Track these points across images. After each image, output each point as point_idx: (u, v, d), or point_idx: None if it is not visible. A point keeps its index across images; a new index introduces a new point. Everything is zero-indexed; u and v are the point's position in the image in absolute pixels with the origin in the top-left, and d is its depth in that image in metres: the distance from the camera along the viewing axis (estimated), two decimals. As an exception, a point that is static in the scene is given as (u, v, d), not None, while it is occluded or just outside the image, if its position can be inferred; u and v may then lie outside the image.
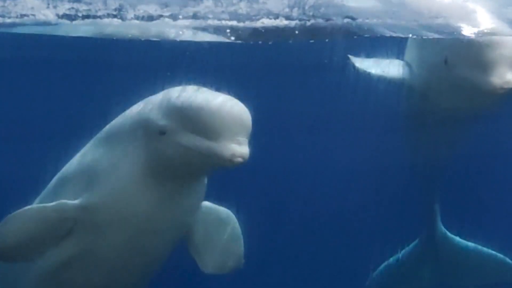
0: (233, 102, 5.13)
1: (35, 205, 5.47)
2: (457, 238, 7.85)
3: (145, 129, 5.25)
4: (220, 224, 5.85)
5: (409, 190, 7.70)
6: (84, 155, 5.57)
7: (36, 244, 5.33)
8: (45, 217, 5.29)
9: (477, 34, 6.06)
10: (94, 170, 5.38)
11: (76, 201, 5.30)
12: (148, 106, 5.38)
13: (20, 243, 5.28)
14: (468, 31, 6.11)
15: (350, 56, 6.87)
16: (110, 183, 5.30)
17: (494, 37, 6.00)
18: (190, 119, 5.06)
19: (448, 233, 7.84)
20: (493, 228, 7.77)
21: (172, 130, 5.10)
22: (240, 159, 4.99)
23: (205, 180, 5.64)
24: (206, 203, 5.78)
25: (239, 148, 4.98)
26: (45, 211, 5.30)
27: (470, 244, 7.84)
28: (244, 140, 5.04)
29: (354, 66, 6.84)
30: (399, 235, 7.76)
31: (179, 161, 5.14)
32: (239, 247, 5.89)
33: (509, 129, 7.60)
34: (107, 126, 5.59)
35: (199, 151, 5.02)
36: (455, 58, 6.14)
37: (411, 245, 7.94)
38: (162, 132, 5.14)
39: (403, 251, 7.93)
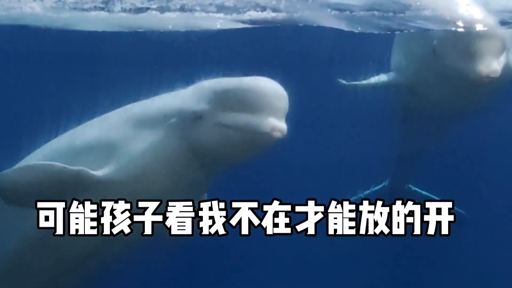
0: (271, 81, 5.14)
1: (58, 163, 5.30)
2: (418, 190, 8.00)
3: (178, 118, 5.21)
4: None
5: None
6: (109, 130, 5.50)
7: (42, 198, 5.09)
8: (63, 178, 5.20)
9: (464, 26, 6.09)
10: (122, 147, 5.33)
11: (98, 172, 5.25)
12: (179, 97, 5.37)
13: (30, 192, 5.17)
14: (455, 23, 6.14)
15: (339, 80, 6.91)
16: (138, 166, 5.25)
17: (481, 28, 6.04)
18: (230, 97, 5.07)
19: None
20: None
21: (209, 113, 5.09)
22: (279, 134, 4.98)
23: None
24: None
25: (279, 123, 4.99)
26: (66, 173, 5.21)
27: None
28: (283, 117, 5.05)
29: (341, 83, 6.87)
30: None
31: (221, 142, 5.09)
32: None
33: (495, 124, 7.65)
34: (136, 108, 5.53)
35: (239, 127, 5.00)
36: (443, 47, 6.17)
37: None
38: (197, 117, 5.12)
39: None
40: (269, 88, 5.08)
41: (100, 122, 5.65)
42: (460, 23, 6.11)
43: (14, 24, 6.36)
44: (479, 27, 6.06)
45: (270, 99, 5.02)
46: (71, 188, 5.18)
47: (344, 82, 6.87)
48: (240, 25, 6.32)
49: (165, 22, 6.30)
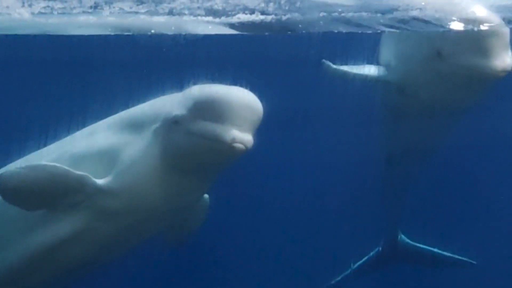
0: (245, 92, 5.20)
1: (63, 166, 5.37)
2: (415, 244, 8.10)
3: (163, 121, 5.29)
4: (196, 209, 5.98)
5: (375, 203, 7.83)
6: (105, 138, 5.58)
7: (42, 199, 5.32)
8: (67, 181, 5.27)
9: (468, 24, 6.08)
10: (117, 155, 5.40)
11: (99, 181, 5.30)
12: (168, 100, 5.45)
13: (32, 192, 5.27)
14: (443, 21, 6.14)
15: (324, 61, 6.84)
16: (133, 173, 5.32)
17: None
18: (201, 106, 5.14)
19: (407, 240, 8.12)
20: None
21: (184, 119, 5.17)
22: (241, 146, 5.03)
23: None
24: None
25: (242, 135, 5.03)
26: (70, 176, 5.27)
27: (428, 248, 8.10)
28: (249, 130, 5.10)
29: (329, 68, 6.83)
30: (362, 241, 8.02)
31: (188, 149, 5.18)
32: (191, 230, 6.12)
33: (486, 126, 7.67)
34: (130, 114, 5.62)
35: (203, 136, 5.07)
36: (451, 48, 6.14)
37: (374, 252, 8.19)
38: (175, 121, 5.19)
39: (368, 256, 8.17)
40: (238, 99, 5.12)
41: (96, 128, 5.70)
42: (463, 22, 6.11)
43: (2, 30, 6.34)
44: (485, 24, 6.04)
45: (236, 110, 5.06)
46: (72, 192, 5.27)
47: (331, 65, 6.81)
48: (229, 28, 6.33)
49: (153, 26, 6.30)
